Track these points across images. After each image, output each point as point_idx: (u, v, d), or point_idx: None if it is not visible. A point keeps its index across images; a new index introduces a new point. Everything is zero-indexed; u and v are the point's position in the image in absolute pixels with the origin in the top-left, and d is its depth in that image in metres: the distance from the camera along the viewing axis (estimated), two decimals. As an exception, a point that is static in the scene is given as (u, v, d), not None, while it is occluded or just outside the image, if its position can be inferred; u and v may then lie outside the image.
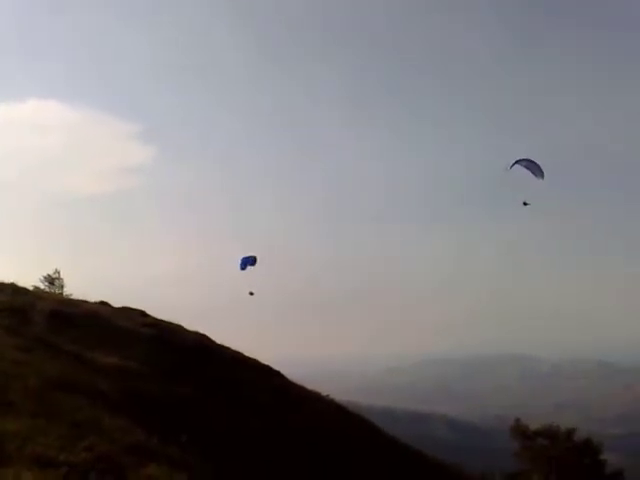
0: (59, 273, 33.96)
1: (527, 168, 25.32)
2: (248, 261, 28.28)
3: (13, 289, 29.67)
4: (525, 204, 25.17)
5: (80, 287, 35.15)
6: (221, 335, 33.53)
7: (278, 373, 32.70)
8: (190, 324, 33.58)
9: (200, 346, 30.14)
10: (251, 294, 29.86)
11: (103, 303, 33.54)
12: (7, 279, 30.84)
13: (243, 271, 28.57)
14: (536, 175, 25.25)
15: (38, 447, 9.66)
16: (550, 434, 42.07)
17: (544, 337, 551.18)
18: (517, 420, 44.39)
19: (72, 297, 32.62)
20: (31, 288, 31.95)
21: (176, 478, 10.26)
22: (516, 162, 25.04)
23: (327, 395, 34.26)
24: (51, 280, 33.47)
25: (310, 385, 33.71)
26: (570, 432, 41.96)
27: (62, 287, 33.67)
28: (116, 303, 33.90)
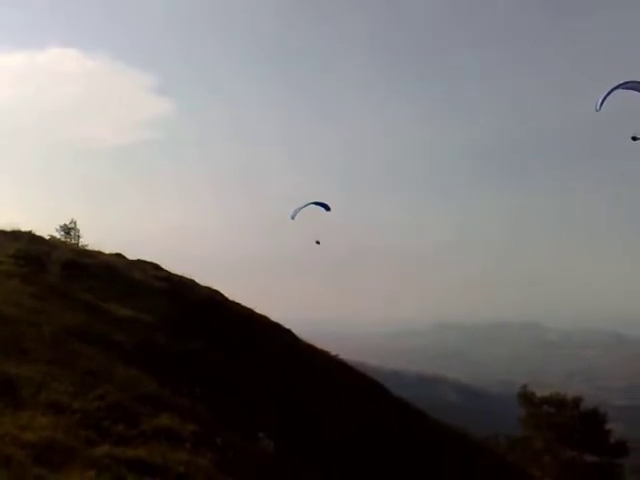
0: (75, 223, 33.89)
1: (630, 89, 22.00)
2: (296, 212, 27.82)
3: (29, 237, 29.85)
4: (635, 139, 21.84)
5: (96, 238, 35.11)
6: (232, 291, 33.64)
7: (288, 331, 32.91)
8: (202, 279, 33.72)
9: (212, 301, 30.32)
10: (317, 243, 29.48)
11: (118, 255, 33.69)
12: (24, 227, 31.09)
13: (292, 220, 28.03)
14: None
15: (52, 394, 9.83)
16: (557, 402, 42.28)
17: (556, 306, 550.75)
18: (524, 387, 44.59)
19: (88, 248, 32.73)
20: (47, 237, 32.07)
21: (187, 428, 10.43)
22: (608, 94, 21.77)
23: (336, 355, 34.47)
24: (67, 230, 33.42)
25: (320, 345, 33.90)
26: (576, 401, 42.13)
27: (78, 237, 33.67)
28: (130, 255, 34.08)
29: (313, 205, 28.43)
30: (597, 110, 21.79)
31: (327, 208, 28.48)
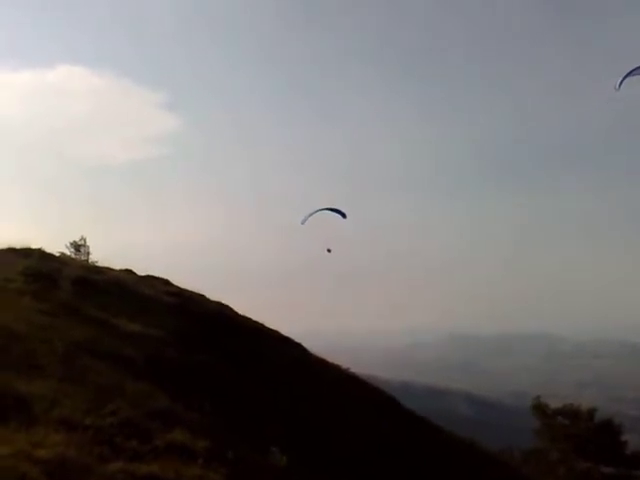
0: (85, 240, 34.22)
1: None
2: (306, 218, 27.18)
3: (40, 255, 30.06)
4: None
5: (105, 254, 35.35)
6: (242, 304, 33.75)
7: (299, 345, 32.89)
8: (212, 293, 33.85)
9: (222, 316, 30.37)
10: (329, 251, 29.06)
11: (128, 271, 33.84)
12: (34, 243, 31.34)
13: (302, 225, 27.37)
14: None
15: (65, 410, 9.85)
16: (571, 413, 41.94)
17: (569, 316, 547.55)
18: (538, 398, 44.27)
19: (97, 264, 32.94)
20: (57, 254, 32.29)
21: (199, 443, 10.42)
22: (628, 74, 21.55)
23: (347, 368, 34.37)
24: (77, 247, 33.70)
25: (330, 358, 33.84)
26: (591, 412, 41.79)
27: (88, 254, 33.96)
28: (140, 271, 34.24)
29: (327, 211, 27.69)
30: (616, 89, 21.73)
31: (343, 215, 27.71)
